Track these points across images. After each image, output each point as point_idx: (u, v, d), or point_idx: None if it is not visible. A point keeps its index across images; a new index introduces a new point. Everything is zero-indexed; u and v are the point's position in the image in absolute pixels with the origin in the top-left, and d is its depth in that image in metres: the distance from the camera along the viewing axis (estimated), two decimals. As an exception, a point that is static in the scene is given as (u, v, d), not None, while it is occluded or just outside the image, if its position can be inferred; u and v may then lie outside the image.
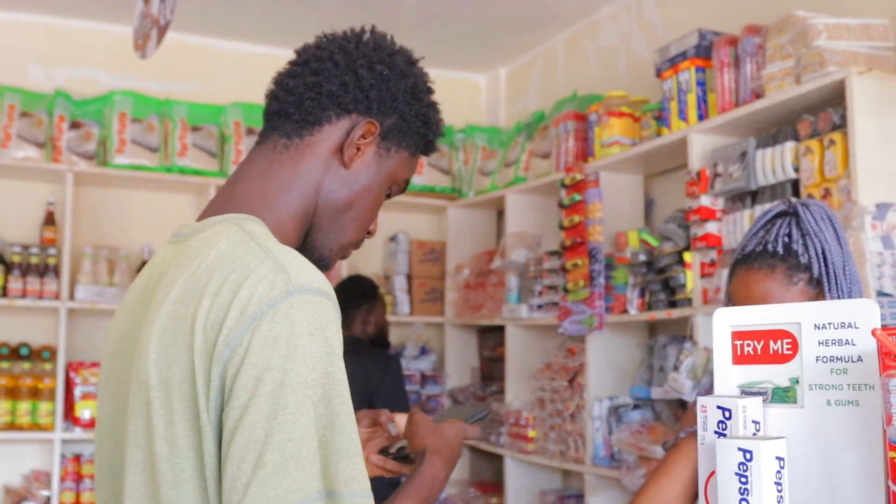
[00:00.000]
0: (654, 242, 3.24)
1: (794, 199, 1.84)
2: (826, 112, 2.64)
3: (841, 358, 0.96)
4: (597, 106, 3.66)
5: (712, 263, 3.00)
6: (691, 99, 3.15)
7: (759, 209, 2.81)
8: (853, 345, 0.93)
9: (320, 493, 1.01)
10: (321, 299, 1.08)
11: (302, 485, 1.00)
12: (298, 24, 4.37)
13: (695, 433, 1.96)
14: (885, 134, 2.55)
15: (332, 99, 1.27)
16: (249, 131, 4.29)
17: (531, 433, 3.84)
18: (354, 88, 1.27)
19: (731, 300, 1.81)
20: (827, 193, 2.60)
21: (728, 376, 1.10)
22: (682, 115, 3.18)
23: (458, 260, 4.63)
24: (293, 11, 4.29)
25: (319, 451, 1.02)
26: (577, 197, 3.59)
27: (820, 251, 1.70)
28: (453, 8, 4.22)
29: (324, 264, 1.30)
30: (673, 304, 3.20)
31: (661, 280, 3.23)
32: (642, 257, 3.28)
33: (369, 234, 1.37)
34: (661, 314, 3.21)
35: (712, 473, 1.06)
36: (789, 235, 1.73)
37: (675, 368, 3.00)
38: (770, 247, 1.72)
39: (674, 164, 3.51)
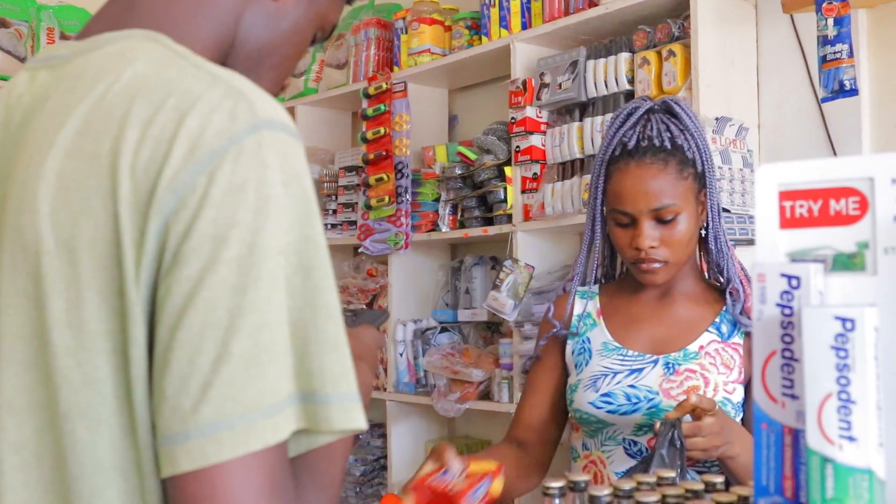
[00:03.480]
0: (472, 156, 3.08)
1: (658, 99, 1.79)
2: (665, 23, 2.57)
3: (926, 216, 0.83)
4: (404, 12, 3.43)
5: (535, 178, 2.88)
6: (515, 6, 2.99)
7: (588, 122, 2.71)
8: (942, 200, 0.81)
9: (295, 395, 0.73)
10: (293, 140, 0.78)
11: (277, 385, 0.71)
12: None
13: (550, 340, 1.82)
14: (724, 48, 2.52)
15: None
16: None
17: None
18: None
19: (612, 197, 1.72)
20: (665, 106, 2.53)
21: (774, 243, 0.93)
22: (504, 24, 3.02)
23: (237, 177, 4.26)
24: None
25: (293, 339, 0.73)
26: (383, 108, 3.35)
27: (702, 147, 1.71)
28: None
29: None
30: (489, 221, 3.06)
31: (477, 196, 3.08)
32: (458, 171, 3.11)
33: (282, 89, 1.07)
34: (475, 231, 3.06)
35: (772, 354, 0.89)
36: (670, 131, 1.70)
37: (496, 287, 2.87)
38: (657, 142, 1.68)
39: (488, 76, 3.35)
